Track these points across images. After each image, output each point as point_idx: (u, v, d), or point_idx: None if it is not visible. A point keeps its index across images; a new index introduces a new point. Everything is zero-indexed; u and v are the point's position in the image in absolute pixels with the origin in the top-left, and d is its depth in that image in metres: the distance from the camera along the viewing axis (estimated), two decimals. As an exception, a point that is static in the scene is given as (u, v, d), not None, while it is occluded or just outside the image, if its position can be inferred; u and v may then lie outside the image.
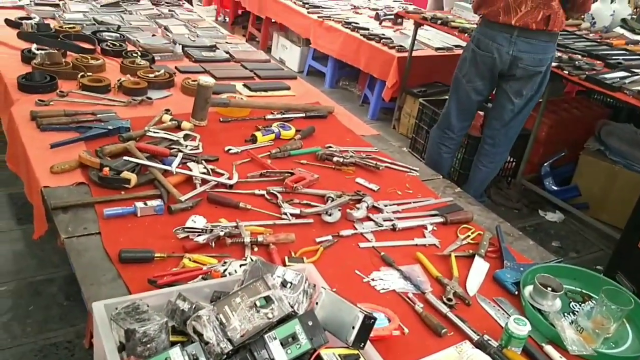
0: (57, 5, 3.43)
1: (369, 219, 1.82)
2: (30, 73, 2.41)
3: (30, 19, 3.08)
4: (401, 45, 4.22)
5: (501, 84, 3.00)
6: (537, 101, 3.10)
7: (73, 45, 2.79)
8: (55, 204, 1.61)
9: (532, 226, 3.44)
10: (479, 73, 2.98)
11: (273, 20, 5.26)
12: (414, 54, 4.13)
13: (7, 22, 3.02)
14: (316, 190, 1.92)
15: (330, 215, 1.78)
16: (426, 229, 1.83)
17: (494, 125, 3.12)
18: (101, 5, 3.55)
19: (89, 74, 2.51)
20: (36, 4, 3.37)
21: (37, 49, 2.63)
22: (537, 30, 2.77)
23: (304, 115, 2.51)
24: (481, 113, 3.49)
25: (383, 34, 4.39)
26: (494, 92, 3.12)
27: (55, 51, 2.59)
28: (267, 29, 5.39)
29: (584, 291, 1.60)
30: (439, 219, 1.89)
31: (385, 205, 1.91)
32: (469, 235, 1.83)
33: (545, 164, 3.66)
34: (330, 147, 2.25)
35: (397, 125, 4.41)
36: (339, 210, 1.81)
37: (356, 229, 1.75)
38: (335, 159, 2.14)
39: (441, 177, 2.27)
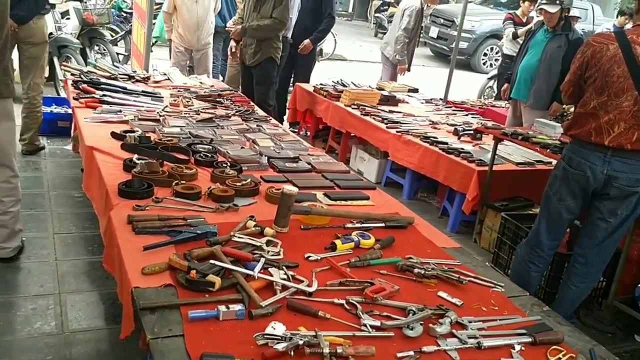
0: (157, 121, 3.74)
1: (452, 335, 1.75)
2: (130, 180, 2.60)
3: (133, 132, 3.36)
4: (481, 159, 4.23)
5: (594, 203, 2.87)
6: (634, 221, 2.95)
7: (170, 156, 2.99)
8: (144, 305, 1.67)
9: (627, 352, 3.16)
10: (570, 191, 2.89)
11: (352, 134, 5.47)
12: (495, 167, 4.12)
13: (113, 134, 3.31)
14: (397, 302, 1.89)
15: (412, 329, 1.73)
16: (513, 348, 1.73)
17: (587, 244, 2.97)
18: (196, 121, 3.84)
19: (182, 182, 2.67)
20: (139, 119, 3.69)
21: (138, 159, 2.85)
22: (633, 150, 2.69)
23: (383, 225, 2.52)
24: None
25: (462, 148, 4.44)
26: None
27: (154, 161, 2.80)
28: (346, 142, 5.60)
29: None
30: (527, 339, 1.78)
31: (470, 322, 1.83)
32: (560, 358, 1.71)
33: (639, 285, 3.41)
34: (410, 258, 2.23)
35: (478, 239, 4.31)
36: (421, 324, 1.75)
37: (439, 345, 1.68)
38: (416, 270, 2.11)
39: (528, 294, 2.17)
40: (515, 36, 7.52)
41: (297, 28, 5.97)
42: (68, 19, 6.82)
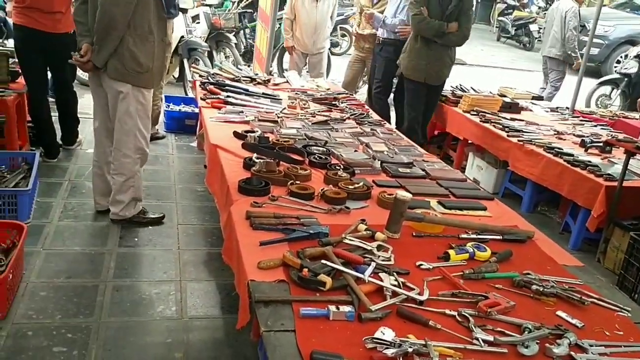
0: (275, 122, 3.87)
1: (571, 357, 1.64)
2: (249, 178, 2.71)
3: (253, 132, 3.50)
4: (609, 174, 3.93)
5: None
6: None
7: (286, 157, 3.08)
8: (259, 298, 1.73)
9: None
10: None
11: (469, 142, 5.31)
12: (625, 183, 3.80)
13: (235, 134, 3.46)
14: (512, 319, 1.80)
15: (527, 347, 1.64)
16: (641, 379, 1.59)
17: None
18: (312, 123, 3.92)
19: (297, 182, 2.74)
20: (259, 120, 3.83)
21: (257, 158, 2.97)
22: None
23: (500, 237, 2.42)
24: None
25: (589, 161, 4.15)
26: None
27: (272, 161, 2.90)
28: (462, 149, 5.45)
29: None
30: (657, 370, 1.63)
31: (591, 345, 1.71)
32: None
33: None
34: (528, 274, 2.12)
35: (603, 259, 4.01)
36: (537, 343, 1.66)
37: (557, 367, 1.58)
38: (534, 287, 2.00)
39: (659, 322, 1.98)
40: None
41: None
42: (198, 23, 7.26)
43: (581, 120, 5.63)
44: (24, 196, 3.31)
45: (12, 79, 4.00)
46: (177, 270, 3.14)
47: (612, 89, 8.60)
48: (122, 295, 2.85)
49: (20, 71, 4.10)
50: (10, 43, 5.00)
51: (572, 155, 4.25)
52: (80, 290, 2.84)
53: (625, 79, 8.31)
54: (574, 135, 4.95)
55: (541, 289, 1.99)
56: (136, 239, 3.41)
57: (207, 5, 7.28)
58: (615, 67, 12.17)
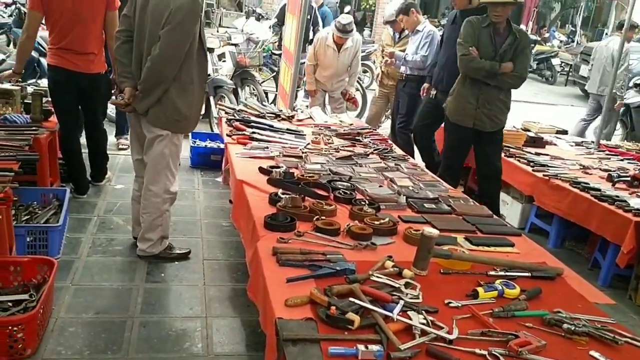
0: (300, 157, 3.91)
1: (607, 399, 1.60)
2: (275, 214, 2.73)
3: (278, 167, 3.54)
4: (639, 210, 3.87)
5: None
6: None
7: (311, 192, 3.11)
8: (287, 336, 1.73)
9: None
10: None
11: (493, 176, 5.29)
12: (656, 218, 3.74)
13: (260, 169, 3.51)
14: (543, 358, 1.77)
15: (561, 389, 1.61)
16: None
17: None
18: (336, 159, 3.95)
19: (322, 217, 2.75)
20: (284, 156, 3.88)
21: (282, 194, 3.00)
22: None
23: (529, 274, 2.39)
24: None
25: (617, 196, 4.09)
26: None
27: (297, 196, 2.93)
28: (486, 184, 5.43)
29: None
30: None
31: (628, 387, 1.67)
32: None
33: None
34: (559, 312, 2.08)
35: (634, 296, 3.90)
36: (572, 385, 1.62)
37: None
38: (565, 326, 1.97)
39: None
40: None
41: None
42: (224, 61, 7.43)
43: (607, 154, 5.58)
44: (54, 232, 3.38)
45: (45, 118, 4.12)
46: (203, 306, 3.15)
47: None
48: (149, 331, 2.86)
49: (53, 110, 4.23)
50: (43, 82, 5.17)
51: (599, 190, 4.20)
52: (108, 325, 2.87)
53: (623, 109, 8.25)
54: (600, 169, 4.89)
55: (573, 328, 1.96)
56: (163, 275, 3.44)
57: (232, 44, 7.46)
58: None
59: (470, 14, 4.65)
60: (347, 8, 18.60)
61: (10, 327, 2.46)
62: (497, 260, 2.46)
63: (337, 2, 15.41)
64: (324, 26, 9.48)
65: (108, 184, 4.78)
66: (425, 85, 5.56)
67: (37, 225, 3.43)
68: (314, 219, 2.71)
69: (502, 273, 2.36)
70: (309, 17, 7.72)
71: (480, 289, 2.17)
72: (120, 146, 5.68)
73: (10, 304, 2.65)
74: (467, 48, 4.26)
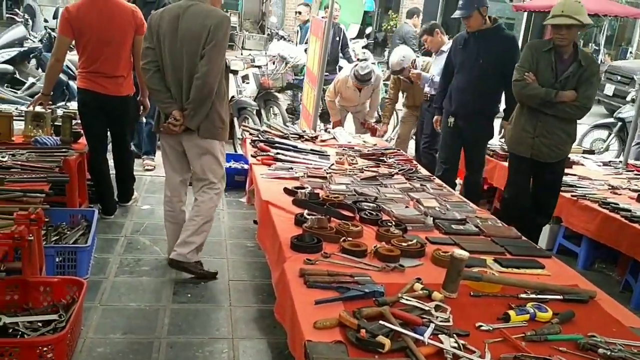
0: (324, 178, 3.91)
1: None
2: (301, 235, 2.73)
3: (303, 188, 3.55)
4: (672, 230, 3.78)
5: None
6: None
7: (337, 213, 3.10)
8: (317, 359, 1.71)
9: None
10: None
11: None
12: (689, 240, 3.65)
13: (286, 190, 3.51)
14: (580, 385, 1.72)
15: (599, 417, 1.56)
16: None
17: None
18: (361, 179, 3.95)
19: (349, 239, 2.74)
20: (308, 176, 3.89)
21: (308, 214, 3.00)
22: None
23: (561, 297, 2.34)
24: None
25: (648, 216, 4.01)
26: None
27: (323, 217, 2.92)
28: (512, 204, 5.36)
29: None
30: None
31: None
32: None
33: None
34: (593, 336, 2.04)
35: (669, 320, 3.80)
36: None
37: None
38: (600, 350, 1.93)
39: None
40: None
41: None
42: (247, 83, 7.52)
43: (636, 174, 5.47)
44: (83, 252, 3.42)
45: (74, 140, 4.20)
46: (229, 327, 3.14)
47: (609, 133, 8.36)
48: (176, 353, 2.86)
49: (82, 132, 4.31)
50: (72, 105, 5.28)
51: (629, 210, 4.12)
52: (136, 346, 2.88)
53: (619, 123, 8.08)
54: (629, 189, 4.81)
55: (609, 353, 1.92)
56: (189, 295, 3.45)
57: (256, 66, 7.55)
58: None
59: (485, 34, 4.65)
60: (369, 29, 18.75)
61: (40, 348, 2.48)
62: (527, 283, 2.42)
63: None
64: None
65: (135, 204, 4.84)
66: (437, 117, 5.29)
67: (66, 245, 3.47)
68: (341, 240, 2.70)
69: (533, 296, 2.32)
70: (337, 38, 7.83)
71: (511, 312, 2.13)
72: (147, 167, 5.76)
73: (39, 324, 2.68)
74: (523, 73, 3.95)
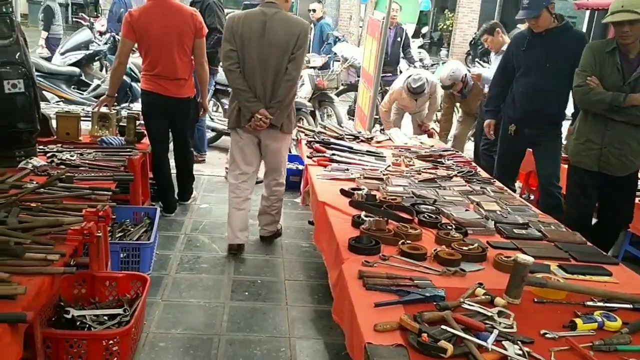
0: (381, 179, 3.89)
1: None
2: (359, 236, 2.72)
3: (360, 189, 3.54)
4: None
5: None
6: None
7: (394, 215, 3.07)
8: (378, 362, 1.71)
9: None
10: None
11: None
12: None
13: (342, 191, 3.51)
14: (654, 399, 1.65)
15: None
16: None
17: None
18: (419, 181, 3.90)
19: (407, 241, 2.71)
20: (365, 178, 3.88)
21: (366, 216, 2.99)
22: None
23: (631, 306, 2.24)
24: None
25: None
26: None
27: (381, 219, 2.91)
28: (575, 208, 5.17)
29: None
30: None
31: None
32: None
33: None
34: (667, 348, 1.94)
35: None
36: None
37: None
38: (675, 364, 1.83)
39: None
40: None
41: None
42: (303, 84, 7.58)
43: None
44: (146, 249, 3.53)
45: (138, 140, 4.34)
46: (286, 326, 3.18)
47: None
48: (235, 350, 2.92)
49: (145, 132, 4.45)
50: (135, 106, 5.47)
51: None
52: (196, 342, 2.95)
53: None
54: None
55: (684, 367, 1.82)
56: (246, 293, 3.51)
57: (311, 67, 7.60)
58: None
59: (553, 33, 4.28)
60: (425, 29, 18.53)
61: (106, 340, 2.58)
62: (594, 290, 2.33)
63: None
64: (321, 38, 9.61)
65: (194, 203, 4.96)
66: (490, 121, 4.85)
67: (130, 242, 3.60)
68: (399, 242, 2.68)
69: (600, 304, 2.23)
70: (399, 39, 7.78)
71: (578, 320, 2.06)
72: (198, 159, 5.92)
73: (105, 317, 2.78)
74: (585, 78, 3.61)
